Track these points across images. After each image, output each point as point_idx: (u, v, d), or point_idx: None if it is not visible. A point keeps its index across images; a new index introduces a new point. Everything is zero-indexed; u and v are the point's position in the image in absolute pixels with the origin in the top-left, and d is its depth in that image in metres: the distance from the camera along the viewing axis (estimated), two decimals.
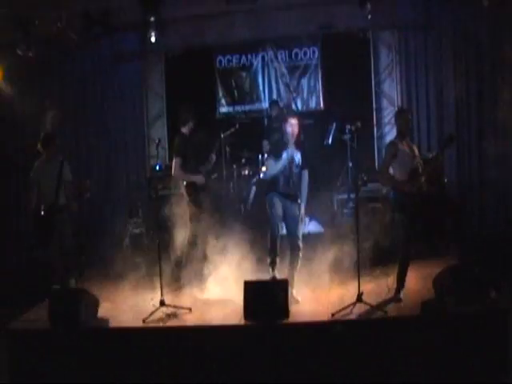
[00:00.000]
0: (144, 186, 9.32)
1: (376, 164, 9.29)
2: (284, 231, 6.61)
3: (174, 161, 7.07)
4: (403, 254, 5.99)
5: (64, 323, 5.71)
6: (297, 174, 6.44)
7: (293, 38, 9.80)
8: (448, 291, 5.43)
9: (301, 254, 6.35)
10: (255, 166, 9.12)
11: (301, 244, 6.36)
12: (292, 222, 6.38)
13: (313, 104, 9.92)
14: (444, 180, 7.88)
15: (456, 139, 8.12)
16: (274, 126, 9.05)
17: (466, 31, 8.93)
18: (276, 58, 9.94)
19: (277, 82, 9.97)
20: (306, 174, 6.53)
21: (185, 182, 7.05)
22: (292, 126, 6.42)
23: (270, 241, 6.29)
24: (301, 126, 6.56)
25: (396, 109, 8.79)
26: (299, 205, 6.45)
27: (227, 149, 8.94)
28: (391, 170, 6.12)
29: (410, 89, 9.30)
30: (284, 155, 6.36)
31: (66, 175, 7.21)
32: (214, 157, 7.27)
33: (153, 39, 8.71)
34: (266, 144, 8.96)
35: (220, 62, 10.09)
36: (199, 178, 7.02)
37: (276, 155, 6.43)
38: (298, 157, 6.46)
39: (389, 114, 9.47)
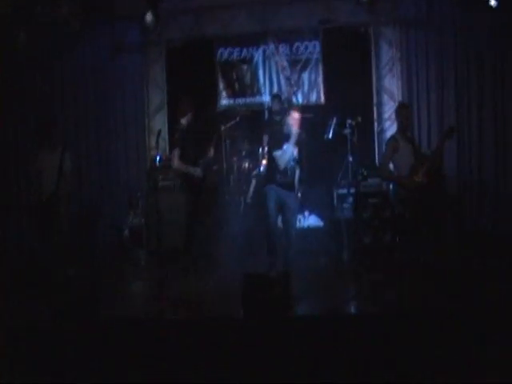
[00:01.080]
0: (144, 177, 9.33)
1: (376, 159, 9.30)
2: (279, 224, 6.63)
3: (173, 152, 7.09)
4: (403, 249, 6.01)
5: (63, 319, 5.71)
6: (292, 167, 6.49)
7: (294, 31, 9.76)
8: (447, 290, 5.46)
9: (293, 245, 6.36)
10: (255, 159, 9.12)
11: (294, 234, 6.38)
12: (288, 213, 6.42)
13: (313, 98, 9.89)
14: (443, 174, 7.91)
15: (456, 131, 8.12)
16: (275, 120, 9.07)
17: (468, 27, 8.93)
18: (277, 51, 9.90)
19: (278, 76, 9.94)
20: (297, 170, 6.59)
21: (183, 174, 7.07)
22: (294, 119, 6.45)
23: (268, 241, 6.31)
24: (301, 122, 6.59)
25: (397, 104, 8.80)
26: (296, 196, 6.49)
27: (227, 142, 8.94)
28: (391, 165, 6.14)
29: (410, 84, 9.30)
30: (285, 147, 6.40)
31: (67, 166, 7.23)
32: (212, 150, 7.29)
33: (153, 30, 8.69)
34: (266, 138, 8.96)
35: (221, 54, 10.05)
36: (197, 171, 7.04)
37: (279, 147, 6.46)
38: (295, 151, 6.52)
39: (389, 109, 9.46)
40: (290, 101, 9.53)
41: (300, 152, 6.55)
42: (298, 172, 6.62)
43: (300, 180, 6.59)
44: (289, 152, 6.40)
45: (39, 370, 5.31)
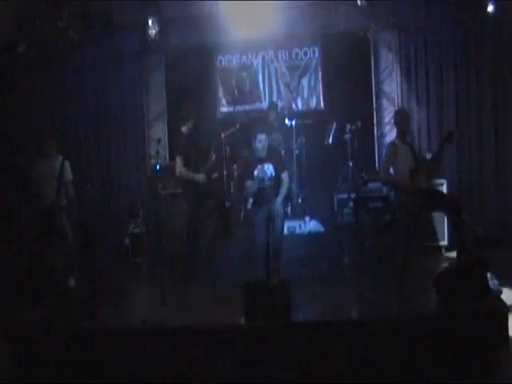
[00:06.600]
0: (144, 185, 9.33)
1: (377, 163, 9.29)
2: None
3: (175, 160, 7.10)
4: (404, 253, 5.99)
5: (63, 323, 5.70)
6: (268, 185, 6.56)
7: (293, 37, 9.77)
8: (448, 291, 5.44)
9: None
10: None
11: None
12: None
13: (313, 104, 9.90)
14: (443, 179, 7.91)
15: (455, 136, 8.11)
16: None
17: (467, 31, 8.93)
18: (276, 57, 9.92)
19: (277, 82, 9.95)
20: (285, 176, 6.64)
21: (186, 181, 7.08)
22: (262, 141, 6.53)
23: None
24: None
25: (396, 108, 8.80)
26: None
27: (227, 148, 8.93)
28: (392, 170, 6.13)
29: (410, 89, 9.29)
30: (255, 173, 6.55)
31: (67, 175, 7.23)
32: (213, 155, 7.30)
33: (153, 36, 8.71)
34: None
35: (220, 61, 10.09)
36: (200, 177, 7.06)
37: (249, 177, 6.69)
38: (269, 169, 6.58)
39: (389, 113, 9.43)
40: (289, 107, 9.53)
41: (276, 165, 6.62)
42: (284, 181, 6.70)
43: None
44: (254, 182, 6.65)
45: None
